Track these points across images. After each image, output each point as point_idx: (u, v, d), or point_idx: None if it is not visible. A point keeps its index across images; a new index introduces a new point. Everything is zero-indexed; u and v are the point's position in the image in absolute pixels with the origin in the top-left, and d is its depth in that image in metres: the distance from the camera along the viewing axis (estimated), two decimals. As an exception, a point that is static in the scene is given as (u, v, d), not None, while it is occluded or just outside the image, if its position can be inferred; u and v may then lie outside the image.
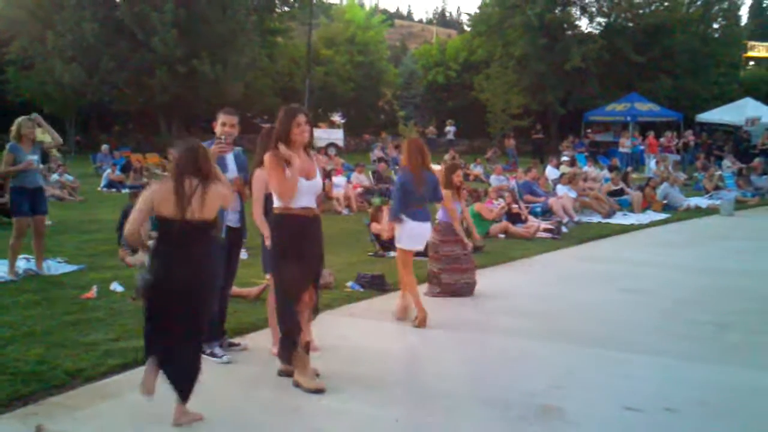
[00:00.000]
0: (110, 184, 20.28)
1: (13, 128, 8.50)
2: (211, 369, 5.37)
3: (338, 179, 17.09)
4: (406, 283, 7.11)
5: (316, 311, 5.47)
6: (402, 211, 6.95)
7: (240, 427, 4.57)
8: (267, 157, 5.11)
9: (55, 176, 18.15)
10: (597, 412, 4.84)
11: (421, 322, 6.86)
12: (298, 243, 5.13)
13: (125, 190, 17.07)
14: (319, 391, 5.08)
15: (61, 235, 11.95)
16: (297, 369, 5.20)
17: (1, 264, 8.83)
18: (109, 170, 21.34)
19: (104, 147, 26.23)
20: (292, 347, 5.16)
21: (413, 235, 7.01)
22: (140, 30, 31.47)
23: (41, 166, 8.99)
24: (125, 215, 10.56)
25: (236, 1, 34.17)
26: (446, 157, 26.79)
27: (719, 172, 22.62)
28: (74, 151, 33.62)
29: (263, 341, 6.27)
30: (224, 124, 5.92)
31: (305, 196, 5.14)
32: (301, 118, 5.11)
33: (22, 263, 8.99)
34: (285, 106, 5.28)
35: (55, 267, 9.19)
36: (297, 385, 5.17)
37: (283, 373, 5.36)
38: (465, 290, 8.25)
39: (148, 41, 31.27)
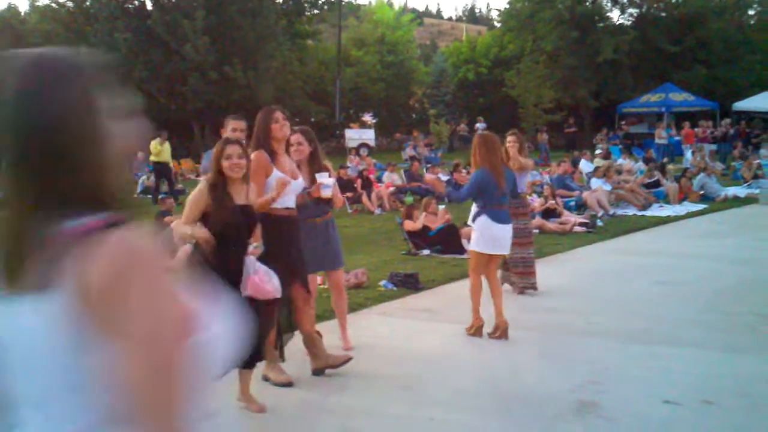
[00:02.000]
0: (146, 191, 20.55)
1: None
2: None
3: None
4: (472, 285, 6.55)
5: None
6: (481, 209, 6.39)
7: (275, 425, 4.59)
8: (253, 157, 5.11)
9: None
10: (634, 406, 4.77)
11: (476, 331, 6.46)
12: (282, 243, 5.16)
13: (161, 196, 17.27)
14: (286, 384, 5.18)
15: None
16: (266, 363, 5.27)
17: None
18: (144, 177, 21.61)
19: (139, 154, 26.54)
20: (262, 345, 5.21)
21: (495, 238, 6.41)
22: (172, 38, 31.83)
23: None
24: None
25: (266, 6, 34.40)
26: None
27: (758, 161, 22.22)
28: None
29: (298, 342, 6.31)
30: (235, 129, 6.06)
31: (289, 196, 5.20)
32: (279, 115, 5.25)
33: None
34: (263, 108, 5.41)
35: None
36: (266, 379, 5.27)
37: (318, 372, 5.39)
38: (519, 263, 8.05)
39: (180, 49, 31.62)
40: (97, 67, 1.29)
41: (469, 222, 6.71)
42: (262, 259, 5.02)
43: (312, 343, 5.43)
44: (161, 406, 1.20)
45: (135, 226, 1.23)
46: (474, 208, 6.63)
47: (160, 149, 19.50)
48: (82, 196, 1.22)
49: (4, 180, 1.23)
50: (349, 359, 5.41)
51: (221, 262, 4.50)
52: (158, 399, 1.21)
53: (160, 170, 19.57)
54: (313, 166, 5.64)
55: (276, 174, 5.13)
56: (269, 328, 5.03)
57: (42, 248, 1.19)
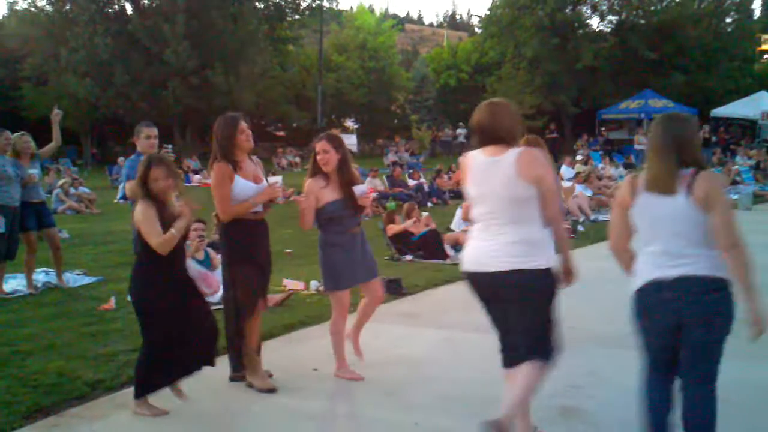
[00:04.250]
0: (126, 196, 20.37)
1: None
2: (225, 377, 5.40)
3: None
4: None
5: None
6: None
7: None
8: (216, 168, 5.09)
9: (71, 190, 18.28)
10: (617, 412, 4.80)
11: None
12: (251, 248, 5.16)
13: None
14: (270, 390, 5.14)
15: (79, 247, 12.04)
16: (248, 370, 5.25)
17: (21, 278, 8.90)
18: (125, 182, 21.44)
19: (120, 159, 26.38)
20: (240, 352, 5.25)
21: None
22: (153, 43, 31.67)
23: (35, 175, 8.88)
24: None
25: (247, 11, 34.34)
26: (460, 159, 26.79)
27: (735, 167, 22.48)
28: (90, 164, 33.90)
29: (281, 349, 6.30)
30: (149, 137, 6.20)
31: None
32: (244, 125, 5.16)
33: (42, 276, 9.08)
34: (224, 115, 5.28)
35: (73, 279, 9.26)
36: (250, 386, 5.23)
37: (235, 379, 5.38)
38: None
39: (161, 54, 31.46)
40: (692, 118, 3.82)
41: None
42: (234, 264, 5.08)
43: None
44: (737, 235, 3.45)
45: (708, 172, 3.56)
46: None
47: None
48: (689, 162, 3.52)
49: (660, 153, 3.58)
50: (269, 376, 5.37)
51: (169, 270, 4.73)
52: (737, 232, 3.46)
53: None
54: (343, 175, 5.34)
55: (240, 181, 5.11)
56: (217, 332, 5.07)
57: (678, 178, 3.50)
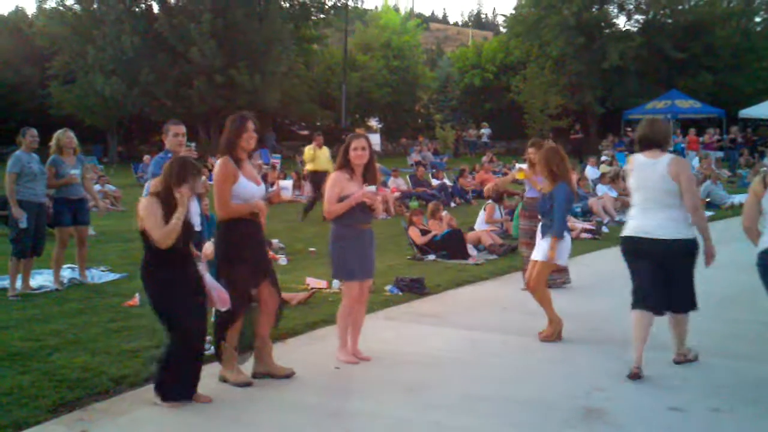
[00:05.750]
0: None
1: (52, 142, 8.69)
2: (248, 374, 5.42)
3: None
4: (543, 297, 6.70)
5: (278, 317, 5.59)
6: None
7: (279, 429, 4.59)
8: (219, 164, 5.21)
9: (97, 186, 18.45)
10: (640, 413, 4.76)
11: (558, 335, 6.58)
12: (247, 246, 5.24)
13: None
14: (246, 384, 5.21)
15: (104, 244, 12.15)
16: (223, 364, 5.28)
17: (47, 274, 9.00)
18: (150, 179, 21.56)
19: (146, 157, 26.58)
20: (231, 348, 5.28)
21: (569, 248, 6.80)
22: (179, 42, 31.88)
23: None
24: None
25: (273, 10, 34.45)
26: (484, 159, 26.73)
27: (764, 168, 22.19)
28: (116, 161, 34.20)
29: (303, 346, 6.32)
30: (176, 134, 6.35)
31: (253, 201, 5.28)
32: (251, 125, 5.28)
33: (67, 272, 9.17)
34: (234, 114, 5.40)
35: (98, 276, 9.35)
36: (224, 380, 5.27)
37: (257, 376, 5.41)
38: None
39: (187, 52, 31.66)
40: None
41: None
42: (230, 263, 5.14)
43: (263, 346, 5.45)
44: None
45: None
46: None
47: (315, 155, 15.60)
48: None
49: None
50: (292, 374, 5.43)
51: (182, 271, 4.86)
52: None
53: (318, 182, 14.30)
54: (366, 174, 5.70)
55: (243, 180, 5.20)
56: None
57: None
